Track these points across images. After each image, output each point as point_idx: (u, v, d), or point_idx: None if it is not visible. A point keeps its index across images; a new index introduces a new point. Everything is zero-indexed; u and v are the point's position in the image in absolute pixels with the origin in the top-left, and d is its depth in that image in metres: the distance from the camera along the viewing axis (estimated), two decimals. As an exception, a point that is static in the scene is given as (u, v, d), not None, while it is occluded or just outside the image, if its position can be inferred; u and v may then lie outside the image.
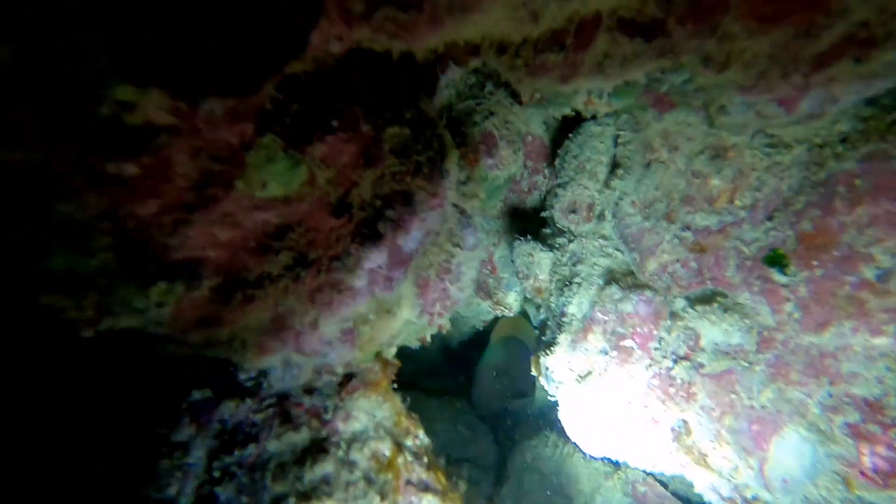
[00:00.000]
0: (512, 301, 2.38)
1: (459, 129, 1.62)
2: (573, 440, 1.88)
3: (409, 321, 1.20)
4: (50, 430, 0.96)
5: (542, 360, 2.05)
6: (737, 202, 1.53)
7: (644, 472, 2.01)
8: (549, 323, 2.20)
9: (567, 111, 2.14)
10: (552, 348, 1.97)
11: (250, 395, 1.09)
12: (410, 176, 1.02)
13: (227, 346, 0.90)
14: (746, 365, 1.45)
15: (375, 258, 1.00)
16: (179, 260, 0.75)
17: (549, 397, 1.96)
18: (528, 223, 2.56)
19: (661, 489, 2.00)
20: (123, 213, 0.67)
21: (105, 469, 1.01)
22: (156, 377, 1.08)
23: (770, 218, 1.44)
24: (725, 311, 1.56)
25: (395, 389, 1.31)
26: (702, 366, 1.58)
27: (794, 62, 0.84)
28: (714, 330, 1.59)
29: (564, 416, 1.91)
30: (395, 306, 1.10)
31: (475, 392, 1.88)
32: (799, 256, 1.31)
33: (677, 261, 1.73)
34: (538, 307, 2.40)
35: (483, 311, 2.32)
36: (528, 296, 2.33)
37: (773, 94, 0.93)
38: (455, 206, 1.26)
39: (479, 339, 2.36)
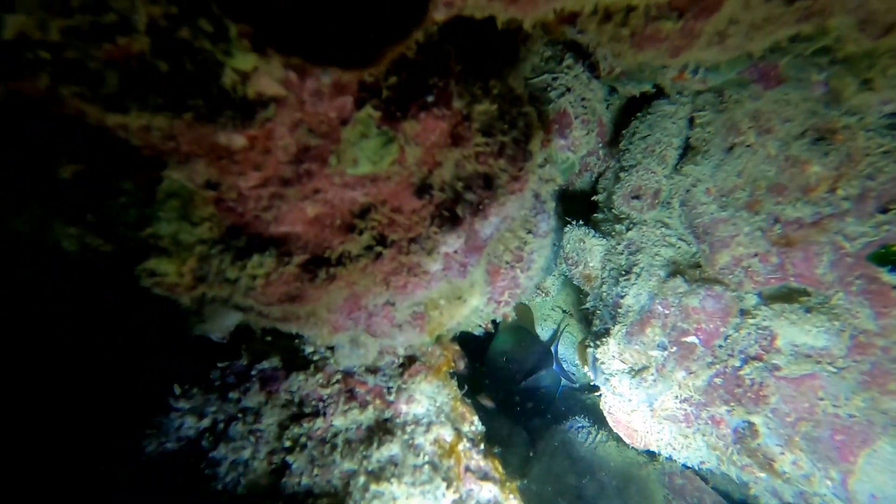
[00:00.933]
0: (549, 285, 2.38)
1: (533, 105, 1.55)
2: (616, 431, 1.85)
3: (477, 308, 1.19)
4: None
5: (591, 350, 2.01)
6: (839, 191, 1.39)
7: (684, 465, 1.96)
8: (598, 312, 2.15)
9: (646, 88, 2.00)
10: (604, 339, 1.92)
11: (318, 370, 1.13)
12: (494, 157, 0.98)
13: (303, 321, 0.93)
14: (834, 370, 1.35)
15: (452, 243, 0.98)
16: (271, 235, 0.77)
17: (591, 387, 1.93)
18: (574, 205, 2.47)
19: (701, 483, 1.96)
20: (227, 185, 0.68)
21: (178, 425, 1.09)
22: (224, 345, 1.14)
23: (884, 210, 1.29)
24: (809, 310, 1.45)
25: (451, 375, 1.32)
26: (777, 367, 1.49)
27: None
28: (794, 330, 1.49)
29: (610, 410, 1.88)
30: (466, 293, 1.09)
31: (486, 368, 1.98)
32: None
33: (755, 254, 1.61)
34: (585, 295, 2.35)
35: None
36: (576, 283, 2.28)
37: None
38: (532, 189, 1.21)
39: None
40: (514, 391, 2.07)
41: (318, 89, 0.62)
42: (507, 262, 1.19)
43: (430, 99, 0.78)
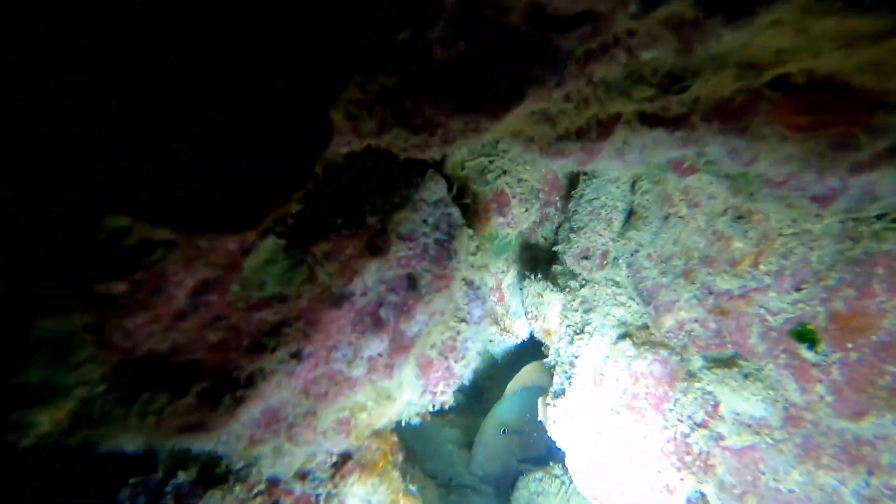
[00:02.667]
0: (519, 328, 2.31)
1: (470, 186, 1.60)
2: (581, 492, 1.80)
3: (410, 402, 1.15)
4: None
5: (550, 412, 1.98)
6: (761, 267, 1.47)
7: None
8: (557, 370, 2.14)
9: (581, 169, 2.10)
10: (560, 400, 1.90)
11: (239, 482, 1.04)
12: (417, 259, 0.99)
13: (213, 441, 0.87)
14: (771, 442, 1.37)
15: (375, 346, 0.96)
16: (170, 363, 0.73)
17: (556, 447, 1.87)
18: (538, 253, 2.51)
19: None
20: (110, 327, 0.65)
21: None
22: (136, 457, 1.05)
23: (798, 289, 1.38)
24: (747, 377, 1.49)
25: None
26: (721, 437, 1.50)
27: (830, 166, 0.81)
28: (735, 398, 1.52)
29: (574, 471, 1.83)
30: (395, 391, 1.06)
31: (474, 451, 1.71)
32: (831, 336, 1.24)
33: (696, 320, 1.67)
34: (547, 349, 2.34)
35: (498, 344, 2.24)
36: (538, 337, 2.28)
37: (805, 192, 0.89)
38: (462, 278, 1.23)
39: (494, 374, 2.26)
40: (505, 479, 1.78)
41: (210, 235, 0.61)
42: (440, 354, 1.17)
43: (339, 221, 0.79)
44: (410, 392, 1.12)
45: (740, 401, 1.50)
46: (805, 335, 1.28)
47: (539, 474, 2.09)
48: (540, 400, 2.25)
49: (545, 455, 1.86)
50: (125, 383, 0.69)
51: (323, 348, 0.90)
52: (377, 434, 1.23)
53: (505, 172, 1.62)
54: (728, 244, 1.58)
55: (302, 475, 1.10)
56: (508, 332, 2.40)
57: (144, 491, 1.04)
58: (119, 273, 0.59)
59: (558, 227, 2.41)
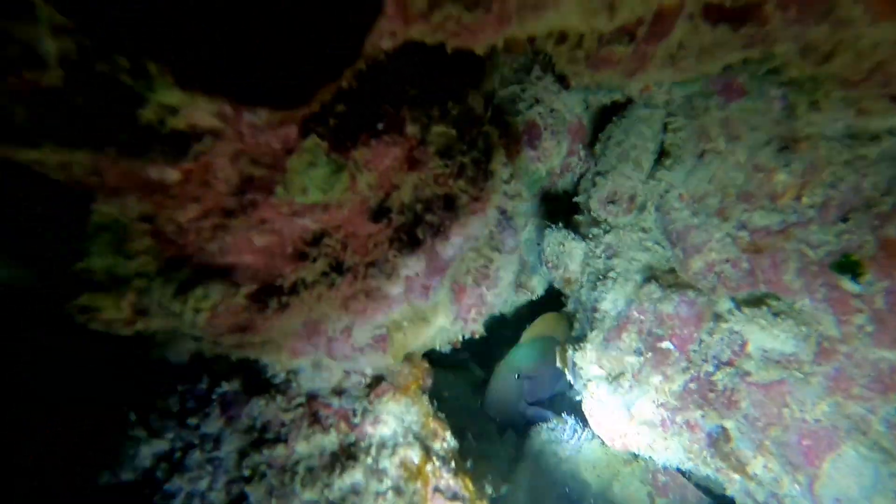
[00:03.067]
0: (535, 284, 2.30)
1: (502, 117, 1.54)
2: (598, 434, 1.84)
3: (443, 327, 1.18)
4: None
5: (571, 355, 2.01)
6: (804, 200, 1.41)
7: (664, 466, 1.97)
8: (578, 316, 2.15)
9: (617, 97, 2.01)
10: (582, 344, 1.92)
11: (280, 393, 1.10)
12: (454, 178, 0.97)
13: (258, 347, 0.90)
14: (801, 376, 1.37)
15: (413, 265, 0.97)
16: (217, 265, 0.74)
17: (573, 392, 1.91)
18: (557, 205, 2.46)
19: (683, 480, 1.98)
20: (163, 217, 0.66)
21: (132, 453, 1.05)
22: (183, 368, 1.11)
23: (845, 219, 1.32)
24: (777, 315, 1.47)
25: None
26: (748, 374, 1.51)
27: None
28: (763, 336, 1.51)
29: (591, 413, 1.87)
30: (430, 313, 1.08)
31: (488, 392, 1.80)
32: (879, 264, 1.20)
33: (727, 260, 1.63)
34: (566, 298, 2.34)
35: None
36: (557, 286, 2.27)
37: (889, 89, 0.81)
38: (496, 207, 1.21)
39: (504, 328, 2.31)
40: (514, 420, 1.88)
41: (255, 122, 0.60)
42: (473, 281, 1.18)
43: (381, 126, 0.77)
44: (444, 316, 1.13)
45: (769, 338, 1.48)
46: (848, 266, 1.25)
47: (551, 424, 2.15)
48: (559, 347, 2.27)
49: (549, 399, 1.91)
50: (179, 280, 0.71)
51: (362, 263, 0.91)
52: (408, 358, 1.27)
53: (537, 101, 1.55)
54: (770, 177, 1.50)
55: (339, 391, 1.15)
56: (524, 287, 2.37)
57: (193, 397, 1.10)
58: (170, 158, 0.59)
59: (580, 177, 2.33)
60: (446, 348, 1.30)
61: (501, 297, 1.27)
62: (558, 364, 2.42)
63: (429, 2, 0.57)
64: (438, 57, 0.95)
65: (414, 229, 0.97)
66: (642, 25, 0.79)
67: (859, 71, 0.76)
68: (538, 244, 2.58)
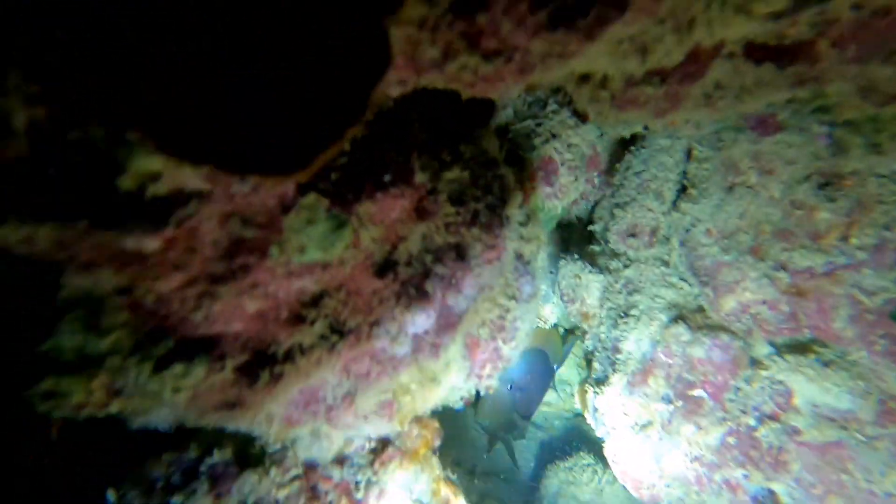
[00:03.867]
0: (548, 313, 2.29)
1: (516, 153, 1.50)
2: (622, 482, 1.74)
3: (455, 387, 1.09)
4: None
5: (591, 398, 1.92)
6: (853, 240, 1.33)
7: None
8: (597, 355, 2.06)
9: (637, 130, 1.98)
10: (603, 388, 1.83)
11: (275, 464, 1.01)
12: (467, 227, 0.91)
13: (249, 421, 0.83)
14: (863, 439, 1.25)
15: (421, 322, 0.90)
16: (202, 336, 0.68)
17: (596, 435, 1.84)
18: (571, 232, 2.41)
19: None
20: (142, 289, 0.60)
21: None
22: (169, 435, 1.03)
23: None
24: (827, 365, 1.37)
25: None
26: (797, 431, 1.40)
27: None
28: (812, 388, 1.40)
29: (615, 459, 1.79)
30: (440, 373, 1.00)
31: (482, 402, 1.79)
32: None
33: (763, 301, 1.54)
34: (584, 333, 2.27)
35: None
36: (573, 320, 2.21)
37: None
38: (512, 252, 1.14)
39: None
40: (504, 427, 1.89)
41: (247, 190, 0.55)
42: (488, 334, 1.10)
43: (388, 178, 0.72)
44: (456, 374, 1.05)
45: (819, 391, 1.38)
46: (913, 316, 1.15)
47: (568, 463, 2.04)
48: (577, 388, 2.18)
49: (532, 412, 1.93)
50: (159, 353, 0.65)
51: (365, 323, 0.84)
52: (418, 419, 1.18)
53: (554, 136, 1.51)
54: (811, 215, 1.43)
55: (340, 460, 1.06)
56: (537, 316, 2.32)
57: (179, 469, 1.02)
58: (149, 227, 0.53)
59: (595, 205, 2.31)
60: (458, 405, 1.22)
61: (518, 348, 1.18)
62: (577, 406, 2.31)
63: (442, 52, 0.52)
64: (447, 100, 0.91)
65: (423, 283, 0.90)
66: (675, 69, 0.73)
67: (929, 112, 0.70)
68: (551, 272, 2.52)
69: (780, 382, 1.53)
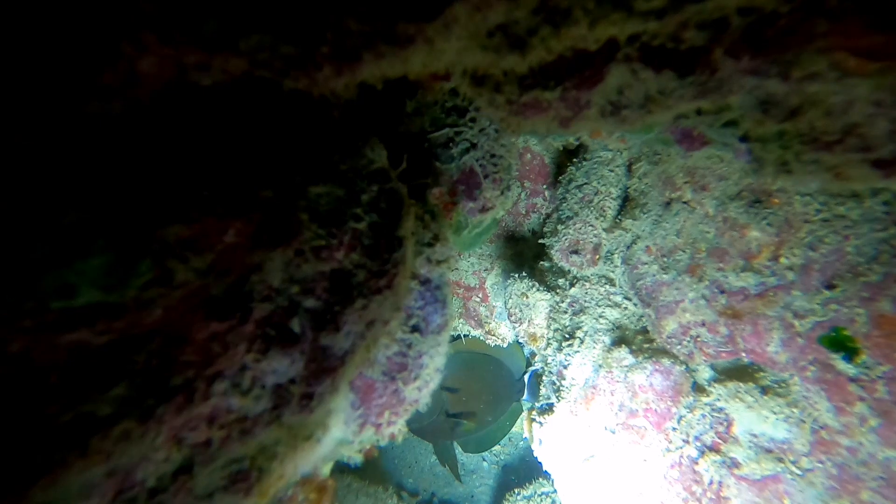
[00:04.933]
0: (505, 331, 2.22)
1: (432, 163, 1.37)
2: None
3: (344, 440, 0.92)
4: None
5: (536, 429, 1.83)
6: (782, 260, 1.30)
7: None
8: (544, 380, 2.00)
9: (569, 141, 1.93)
10: (547, 417, 1.75)
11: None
12: (345, 251, 0.76)
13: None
14: (798, 472, 1.20)
15: (285, 370, 0.73)
16: None
17: (543, 470, 1.78)
18: (525, 246, 2.36)
19: None
20: None
21: None
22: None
23: (830, 286, 1.20)
24: (765, 391, 1.33)
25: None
26: (736, 464, 1.34)
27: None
28: (751, 416, 1.35)
29: (564, 494, 1.72)
30: (317, 429, 0.82)
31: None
32: (875, 345, 1.06)
33: (703, 323, 1.51)
34: (533, 355, 2.21)
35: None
36: (521, 341, 2.13)
37: (869, 155, 0.69)
38: (414, 275, 1.00)
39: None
40: (435, 430, 1.82)
41: None
42: (385, 374, 0.94)
43: (205, 192, 0.55)
44: (345, 426, 0.88)
45: (758, 420, 1.34)
46: (840, 343, 1.10)
47: (527, 491, 1.96)
48: (525, 419, 2.11)
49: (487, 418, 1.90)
50: None
51: (201, 378, 0.66)
52: (306, 480, 0.99)
53: (473, 146, 1.40)
54: (742, 233, 1.40)
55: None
56: (493, 335, 2.26)
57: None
58: None
59: (545, 219, 2.28)
60: (356, 459, 1.04)
61: (426, 389, 1.03)
62: (525, 435, 2.21)
63: (219, 27, 0.37)
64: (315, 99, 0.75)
65: (286, 321, 0.73)
66: (567, 67, 0.63)
67: (831, 131, 0.63)
68: (505, 289, 2.45)
69: (721, 410, 1.49)
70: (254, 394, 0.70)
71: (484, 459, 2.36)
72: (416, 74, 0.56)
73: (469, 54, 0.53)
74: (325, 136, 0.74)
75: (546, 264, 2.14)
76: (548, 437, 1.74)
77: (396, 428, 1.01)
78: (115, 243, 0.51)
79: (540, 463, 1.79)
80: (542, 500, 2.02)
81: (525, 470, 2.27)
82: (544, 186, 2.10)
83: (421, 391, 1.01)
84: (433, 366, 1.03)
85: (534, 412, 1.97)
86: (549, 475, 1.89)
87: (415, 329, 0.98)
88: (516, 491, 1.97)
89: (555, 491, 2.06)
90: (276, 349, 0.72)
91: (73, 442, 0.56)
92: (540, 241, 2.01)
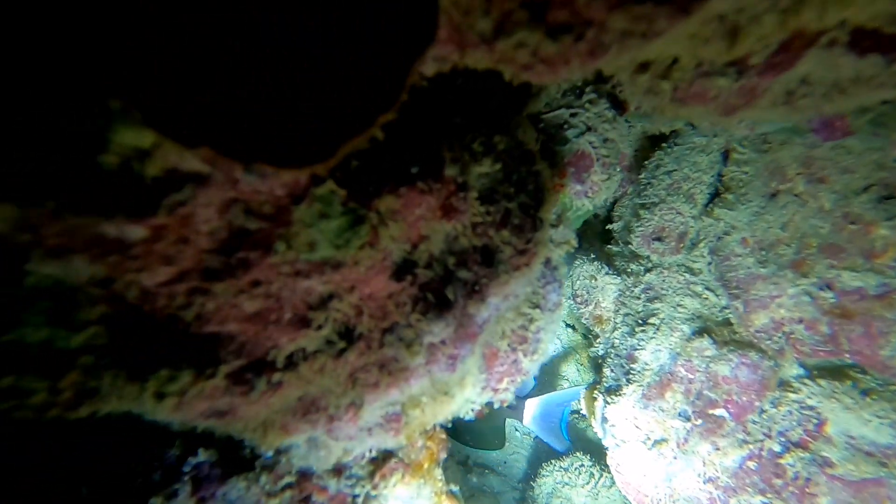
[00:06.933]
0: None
1: (547, 145, 1.41)
2: (624, 493, 1.73)
3: (469, 400, 1.03)
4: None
5: (601, 407, 1.88)
6: None
7: None
8: (610, 362, 2.02)
9: (680, 126, 1.88)
10: (615, 397, 1.79)
11: (266, 470, 0.96)
12: (496, 228, 0.83)
13: (240, 430, 0.77)
14: None
15: (439, 332, 0.83)
16: (195, 334, 0.61)
17: (604, 447, 1.83)
18: (588, 228, 2.35)
19: None
20: (124, 281, 0.53)
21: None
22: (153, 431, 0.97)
23: None
24: (867, 394, 1.30)
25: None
26: (829, 463, 1.33)
27: None
28: (848, 417, 1.33)
29: (618, 469, 1.74)
30: (455, 387, 0.93)
31: None
32: None
33: (800, 320, 1.47)
34: (595, 337, 2.23)
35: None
36: (586, 322, 2.16)
37: None
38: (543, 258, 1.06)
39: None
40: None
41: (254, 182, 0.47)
42: (508, 345, 1.03)
43: (415, 170, 0.64)
44: (471, 388, 0.99)
45: (857, 422, 1.31)
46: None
47: (564, 463, 2.03)
48: (585, 392, 2.15)
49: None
50: (139, 353, 0.58)
51: (377, 329, 0.77)
52: (423, 431, 1.12)
53: (589, 129, 1.42)
54: (867, 230, 1.34)
55: (337, 470, 1.00)
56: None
57: (161, 466, 0.97)
58: (136, 212, 0.46)
59: (614, 202, 2.25)
60: (469, 417, 1.15)
61: (538, 361, 1.11)
62: (584, 410, 2.27)
63: (495, 24, 0.44)
64: (482, 82, 0.82)
65: (443, 288, 0.83)
66: (759, 54, 0.64)
67: None
68: (571, 270, 2.45)
69: (812, 408, 1.47)
70: (414, 348, 0.81)
71: (516, 429, 2.43)
72: (618, 67, 0.60)
73: (677, 44, 0.56)
74: (486, 109, 0.81)
75: (615, 248, 2.12)
76: (614, 415, 1.77)
77: (509, 394, 1.10)
78: (347, 209, 0.61)
79: (600, 440, 1.83)
80: (579, 473, 2.04)
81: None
82: (618, 170, 2.06)
83: (535, 363, 1.09)
84: (547, 340, 1.11)
85: (596, 390, 2.00)
86: (591, 453, 1.94)
87: (536, 305, 1.06)
88: (553, 461, 2.01)
89: (592, 465, 2.10)
90: (434, 312, 0.82)
91: (287, 368, 0.69)
92: (608, 226, 1.99)
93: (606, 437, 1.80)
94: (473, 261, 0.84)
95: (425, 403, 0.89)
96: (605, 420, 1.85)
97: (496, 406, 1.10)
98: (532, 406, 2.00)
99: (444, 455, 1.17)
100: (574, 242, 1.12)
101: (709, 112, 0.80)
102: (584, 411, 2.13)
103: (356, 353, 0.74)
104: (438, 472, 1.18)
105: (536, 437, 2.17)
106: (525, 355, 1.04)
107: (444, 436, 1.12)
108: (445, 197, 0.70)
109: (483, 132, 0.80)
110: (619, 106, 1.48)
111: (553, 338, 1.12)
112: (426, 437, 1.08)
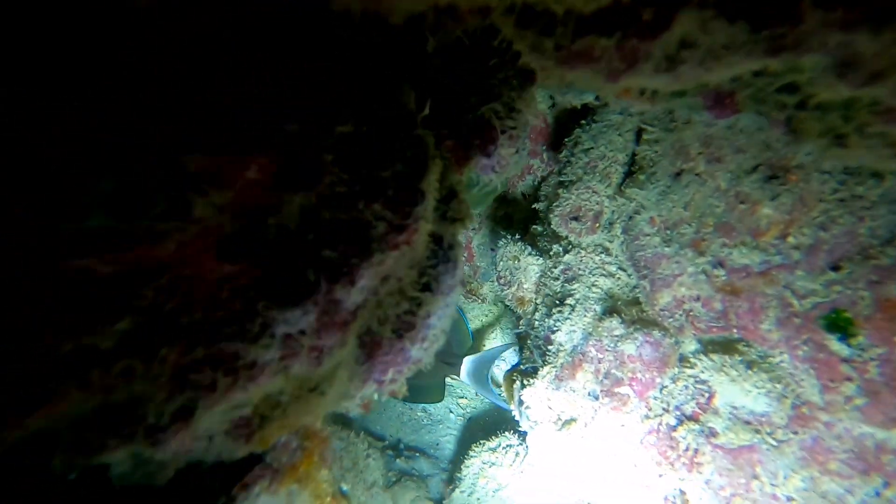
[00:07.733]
0: (486, 291, 2.25)
1: (448, 114, 1.31)
2: (546, 482, 1.78)
3: (346, 394, 0.93)
4: None
5: (518, 390, 1.91)
6: (790, 239, 1.33)
7: None
8: (529, 343, 2.05)
9: (588, 99, 1.87)
10: (531, 380, 1.81)
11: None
12: (365, 200, 0.72)
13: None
14: (774, 444, 1.30)
15: (296, 320, 0.71)
16: None
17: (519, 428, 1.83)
18: (515, 209, 2.37)
19: None
20: None
21: None
22: None
23: (836, 268, 1.24)
24: (750, 367, 1.40)
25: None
26: (714, 434, 1.44)
27: None
28: (733, 389, 1.44)
29: (537, 460, 1.82)
30: (324, 382, 0.82)
31: None
32: (875, 327, 1.11)
33: (697, 298, 1.56)
34: (518, 319, 2.25)
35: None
36: (509, 303, 2.17)
37: None
38: (430, 233, 0.97)
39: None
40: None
41: None
42: (393, 332, 0.94)
43: (230, 122, 0.50)
44: (347, 382, 0.88)
45: (740, 393, 1.41)
46: (838, 324, 1.15)
47: (492, 443, 2.07)
48: (505, 376, 2.18)
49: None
50: None
51: (207, 320, 0.63)
52: (301, 428, 1.00)
53: (494, 96, 1.34)
54: (753, 209, 1.41)
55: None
56: (475, 294, 2.29)
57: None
58: None
59: (541, 182, 2.25)
60: (355, 412, 1.06)
61: (431, 349, 1.04)
62: (504, 395, 2.30)
63: None
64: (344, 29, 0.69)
65: (304, 270, 0.70)
66: (632, 13, 0.58)
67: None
68: (492, 249, 2.45)
69: (704, 382, 1.56)
70: (262, 342, 0.69)
71: (451, 411, 2.46)
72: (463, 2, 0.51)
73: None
74: (358, 73, 0.68)
75: (539, 228, 2.14)
76: (530, 399, 1.80)
77: (398, 385, 1.02)
78: (131, 167, 0.46)
79: (517, 422, 1.86)
80: (506, 452, 2.11)
81: (491, 423, 2.37)
82: (543, 147, 2.05)
83: (426, 351, 1.01)
84: (440, 327, 1.03)
85: (515, 373, 2.02)
86: (519, 432, 1.99)
87: (425, 288, 0.97)
88: (482, 442, 2.04)
89: (520, 444, 2.18)
90: (289, 298, 0.69)
91: (73, 374, 0.54)
92: (533, 205, 1.99)
93: (522, 421, 1.82)
94: (340, 238, 0.72)
95: (287, 403, 0.77)
96: (520, 403, 1.87)
97: (384, 399, 1.01)
98: (469, 363, 1.99)
99: (329, 455, 1.06)
100: (470, 218, 1.04)
101: (595, 76, 0.74)
102: (504, 395, 2.15)
103: (178, 352, 0.60)
104: (323, 473, 1.07)
105: (480, 394, 2.17)
106: (413, 343, 0.96)
107: (325, 434, 1.02)
108: (287, 155, 0.58)
109: (343, 84, 0.68)
110: (527, 74, 1.41)
111: (447, 323, 1.04)
112: (302, 437, 0.97)
